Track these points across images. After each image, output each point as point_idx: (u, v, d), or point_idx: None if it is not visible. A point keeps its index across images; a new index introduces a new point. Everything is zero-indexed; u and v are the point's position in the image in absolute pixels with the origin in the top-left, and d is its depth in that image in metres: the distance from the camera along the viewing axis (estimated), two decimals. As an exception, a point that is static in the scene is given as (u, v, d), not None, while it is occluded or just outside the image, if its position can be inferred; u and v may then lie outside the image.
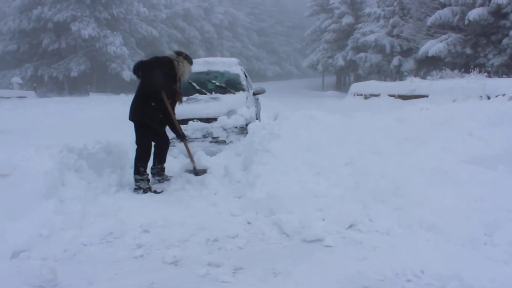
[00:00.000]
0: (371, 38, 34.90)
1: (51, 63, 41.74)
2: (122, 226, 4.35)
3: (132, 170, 6.00)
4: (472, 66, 23.68)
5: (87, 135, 9.26)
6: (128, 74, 41.12)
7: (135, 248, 3.95)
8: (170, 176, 6.35)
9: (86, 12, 40.37)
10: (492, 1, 24.10)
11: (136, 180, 5.88)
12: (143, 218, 4.55)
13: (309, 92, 41.68)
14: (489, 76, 19.41)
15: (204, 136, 7.70)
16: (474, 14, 24.90)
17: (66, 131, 11.64)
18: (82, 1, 40.41)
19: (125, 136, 7.95)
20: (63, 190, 5.24)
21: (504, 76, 20.23)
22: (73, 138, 8.13)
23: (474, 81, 15.98)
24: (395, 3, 34.66)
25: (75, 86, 43.50)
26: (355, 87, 24.02)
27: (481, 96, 14.25)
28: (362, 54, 36.84)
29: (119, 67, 41.48)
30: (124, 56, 41.65)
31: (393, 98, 18.93)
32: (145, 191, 5.76)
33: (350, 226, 4.32)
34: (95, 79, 44.80)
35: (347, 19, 42.86)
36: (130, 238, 4.16)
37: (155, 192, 5.79)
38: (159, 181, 6.18)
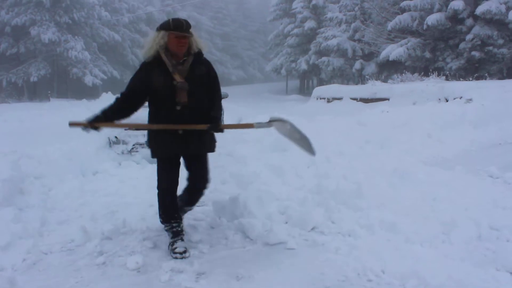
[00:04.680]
0: (333, 42, 35.40)
1: (9, 68, 40.77)
2: (83, 234, 4.27)
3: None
4: (431, 70, 24.29)
5: (48, 141, 9.06)
6: (90, 79, 40.52)
7: (97, 256, 3.89)
8: None
9: (45, 16, 39.58)
10: (449, 7, 24.82)
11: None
12: (106, 225, 4.48)
13: (273, 96, 41.88)
14: (448, 80, 19.93)
15: None
16: (432, 19, 25.57)
17: (26, 137, 11.36)
18: (42, 4, 39.60)
19: (87, 142, 7.83)
20: (22, 198, 5.13)
21: (461, 79, 20.81)
22: (33, 145, 7.97)
23: (433, 84, 16.40)
24: (356, 8, 35.27)
25: (35, 91, 42.58)
26: (318, 90, 24.28)
27: (439, 99, 14.63)
28: (324, 58, 37.29)
29: (81, 72, 40.83)
30: (85, 61, 41.00)
31: (355, 101, 19.22)
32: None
33: (313, 229, 4.36)
34: (56, 84, 43.91)
35: (310, 24, 43.31)
36: (92, 245, 4.09)
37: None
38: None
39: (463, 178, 6.13)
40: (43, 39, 38.12)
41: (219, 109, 4.01)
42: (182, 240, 3.93)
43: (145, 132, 7.26)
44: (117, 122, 3.87)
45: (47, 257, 3.90)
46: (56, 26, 40.09)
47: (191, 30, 3.76)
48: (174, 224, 3.99)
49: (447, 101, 14.28)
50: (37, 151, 7.10)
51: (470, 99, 13.38)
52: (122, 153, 7.53)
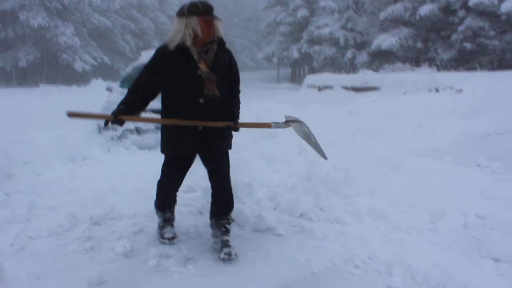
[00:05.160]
0: (325, 31, 35.35)
1: (-2, 53, 40.34)
2: (72, 219, 4.25)
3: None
4: (422, 60, 24.36)
5: (37, 127, 9.01)
6: (80, 65, 40.16)
7: (85, 241, 3.88)
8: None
9: (35, 1, 39.06)
10: (442, -2, 24.78)
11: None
12: (94, 210, 4.47)
13: (264, 84, 41.81)
14: (439, 70, 19.99)
15: (157, 128, 7.64)
16: (425, 10, 25.60)
17: (14, 123, 11.29)
18: (32, -11, 39.12)
19: (76, 128, 7.79)
20: (10, 183, 5.10)
21: (452, 70, 20.89)
22: (22, 131, 7.93)
23: (424, 74, 16.44)
24: (349, -3, 35.15)
25: (24, 77, 42.17)
26: (310, 79, 24.26)
27: (430, 89, 14.66)
28: (316, 47, 37.24)
29: (71, 57, 40.43)
30: (75, 47, 40.58)
31: (346, 90, 19.23)
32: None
33: (301, 215, 4.38)
34: (45, 69, 43.51)
35: (302, 12, 43.13)
36: (80, 230, 4.07)
37: None
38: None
39: (452, 168, 6.18)
40: (32, 24, 37.64)
41: (238, 105, 3.68)
42: (172, 226, 3.87)
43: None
44: (138, 115, 3.49)
45: (35, 242, 3.88)
46: (46, 11, 39.58)
47: None
48: (167, 214, 3.89)
49: (437, 91, 14.32)
50: (26, 137, 7.07)
51: (461, 90, 13.42)
52: (112, 139, 7.49)
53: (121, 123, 3.29)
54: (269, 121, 3.63)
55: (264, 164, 5.61)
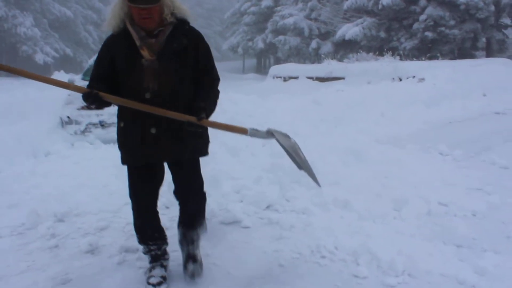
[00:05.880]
0: (290, 21, 35.40)
1: (-47, 45, 39.03)
2: (34, 216, 4.17)
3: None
4: (386, 49, 24.65)
5: (-5, 122, 8.77)
6: (41, 57, 39.17)
7: (49, 239, 3.81)
8: None
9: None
10: (403, -13, 25.14)
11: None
12: (58, 207, 4.39)
13: (229, 75, 41.62)
14: (401, 59, 20.29)
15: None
16: (387, -1, 25.86)
17: (-28, 118, 10.97)
18: (-12, -22, 37.89)
19: (38, 122, 7.62)
20: (-31, 181, 4.97)
21: (414, 59, 21.23)
22: (-20, 126, 7.70)
23: (387, 64, 16.66)
24: (313, -13, 35.27)
25: (-19, 70, 40.92)
26: (275, 69, 24.26)
27: (393, 78, 14.88)
28: (281, 37, 37.26)
29: (31, 49, 39.38)
30: (36, 38, 39.53)
31: (311, 80, 19.32)
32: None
33: (268, 207, 4.40)
34: (4, 62, 42.29)
35: (267, 2, 43.12)
36: (43, 228, 4.00)
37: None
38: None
39: (414, 156, 6.31)
40: (-12, 16, 36.56)
41: (210, 98, 2.86)
42: (162, 266, 3.13)
43: (101, 111, 7.17)
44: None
45: (-4, 241, 3.80)
46: (3, 1, 38.44)
47: None
48: (152, 247, 3.12)
49: (400, 80, 14.55)
50: (-16, 132, 6.87)
51: (423, 79, 13.68)
52: (75, 133, 7.36)
53: (98, 100, 2.61)
54: (241, 124, 3.07)
55: (229, 156, 5.60)
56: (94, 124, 7.42)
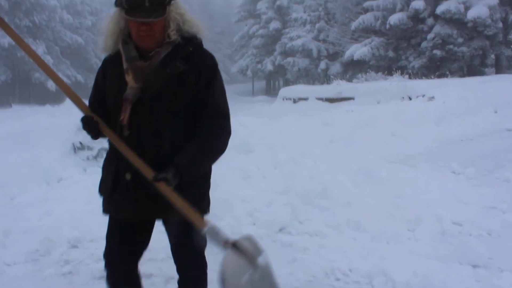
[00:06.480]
0: (298, 42, 35.67)
1: (-32, 74, 39.71)
2: (48, 243, 4.18)
3: None
4: (394, 69, 24.73)
5: (9, 149, 8.85)
6: (53, 84, 39.47)
7: (63, 265, 3.82)
8: None
9: (5, 19, 38.52)
10: (410, 7, 25.36)
11: None
12: (71, 233, 4.40)
13: (239, 98, 41.83)
14: (410, 78, 20.32)
15: None
16: (394, 18, 26.07)
17: (-14, 145, 11.10)
18: (1, 7, 38.64)
19: (51, 148, 7.67)
20: (-17, 208, 5.01)
21: (423, 77, 21.23)
22: (-7, 153, 7.77)
23: (396, 83, 16.70)
24: (320, 9, 35.65)
25: (-5, 98, 41.58)
26: (284, 91, 24.38)
27: (403, 97, 14.88)
28: (290, 59, 37.53)
29: (43, 76, 39.98)
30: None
31: (321, 101, 19.38)
32: None
33: (280, 230, 4.38)
34: (17, 89, 42.89)
35: (275, 24, 43.51)
36: (57, 254, 4.00)
37: None
38: None
39: (426, 175, 6.27)
40: (3, 43, 37.19)
41: (198, 153, 2.10)
42: None
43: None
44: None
45: (10, 269, 3.80)
46: (16, 29, 38.99)
47: (173, 2, 2.10)
48: None
49: (410, 99, 14.55)
50: (-3, 159, 6.94)
51: (433, 97, 13.67)
52: (87, 159, 7.40)
53: (94, 130, 2.16)
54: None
55: (240, 179, 5.60)
56: (106, 150, 7.47)
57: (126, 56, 2.13)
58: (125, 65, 2.13)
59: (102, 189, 2.27)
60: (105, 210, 2.29)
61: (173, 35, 2.09)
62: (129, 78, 2.10)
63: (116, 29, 2.17)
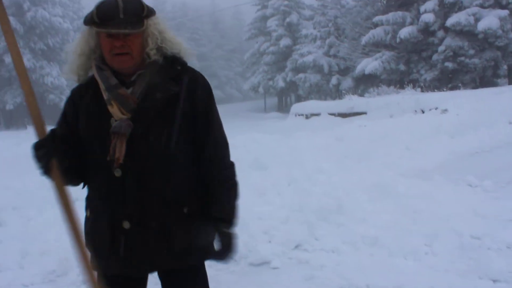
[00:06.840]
0: (309, 58, 35.80)
1: (-16, 97, 40.33)
2: (65, 263, 4.20)
3: None
4: (406, 82, 24.70)
5: (25, 171, 8.93)
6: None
7: (80, 286, 3.83)
8: None
9: (20, 43, 39.14)
10: (420, 20, 25.36)
11: None
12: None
13: (252, 115, 42.00)
14: (423, 91, 20.26)
15: None
16: (404, 32, 26.09)
17: (1, 168, 11.20)
18: (16, 31, 39.25)
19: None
20: (0, 230, 5.04)
21: (436, 90, 21.16)
22: (10, 175, 7.85)
23: (409, 96, 16.65)
24: (330, 24, 35.80)
25: (11, 120, 42.05)
26: (296, 107, 24.42)
27: (416, 111, 14.82)
28: (301, 75, 37.65)
29: (58, 98, 40.49)
30: (62, 87, 40.71)
31: (333, 116, 19.37)
32: None
33: (296, 247, 4.36)
34: (32, 111, 43.33)
35: (285, 41, 43.70)
36: (74, 275, 4.01)
37: None
38: None
39: (442, 189, 6.20)
40: (18, 67, 37.74)
41: (227, 192, 1.93)
42: None
43: None
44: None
45: (28, 290, 3.83)
46: (31, 52, 39.82)
47: (153, 17, 1.82)
48: None
49: (423, 112, 14.49)
50: (14, 182, 7.00)
51: (446, 110, 13.59)
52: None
53: (48, 163, 1.85)
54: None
55: (255, 196, 5.59)
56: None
57: (104, 85, 1.80)
58: (105, 96, 1.80)
59: (93, 244, 1.93)
60: (98, 268, 1.94)
61: (153, 55, 1.81)
62: (113, 109, 1.78)
63: (86, 49, 1.87)
